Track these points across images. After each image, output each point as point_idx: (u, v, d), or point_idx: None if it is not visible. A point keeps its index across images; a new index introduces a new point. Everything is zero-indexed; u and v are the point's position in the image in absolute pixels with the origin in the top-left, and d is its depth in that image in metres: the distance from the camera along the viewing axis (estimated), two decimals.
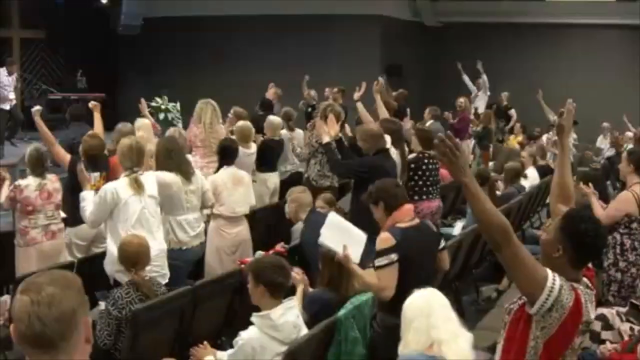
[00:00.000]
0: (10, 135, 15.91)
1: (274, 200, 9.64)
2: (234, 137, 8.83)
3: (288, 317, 4.59)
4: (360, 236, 5.43)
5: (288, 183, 9.78)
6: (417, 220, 5.32)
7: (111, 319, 5.24)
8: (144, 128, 8.72)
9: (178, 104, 15.55)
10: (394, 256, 4.95)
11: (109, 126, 8.92)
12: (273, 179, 9.97)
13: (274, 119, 10.37)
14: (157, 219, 6.46)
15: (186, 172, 6.95)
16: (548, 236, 3.55)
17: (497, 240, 3.24)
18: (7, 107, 15.51)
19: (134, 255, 5.39)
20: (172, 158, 6.89)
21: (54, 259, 7.08)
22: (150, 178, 6.47)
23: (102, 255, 6.48)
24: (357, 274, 5.10)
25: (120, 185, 6.19)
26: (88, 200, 6.30)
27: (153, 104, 15.51)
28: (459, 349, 3.80)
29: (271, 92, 14.08)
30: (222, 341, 6.02)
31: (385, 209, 5.23)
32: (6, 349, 6.22)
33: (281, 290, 4.67)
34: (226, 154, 7.75)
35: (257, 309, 4.65)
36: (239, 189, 7.67)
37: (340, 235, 5.24)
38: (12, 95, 15.48)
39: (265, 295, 4.60)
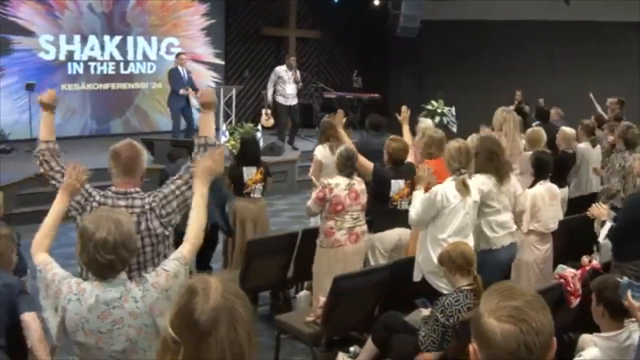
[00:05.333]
0: (291, 140, 16.40)
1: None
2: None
3: (634, 339, 4.43)
4: None
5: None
6: None
7: (437, 325, 5.27)
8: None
9: (453, 108, 15.62)
10: None
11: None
12: (563, 195, 9.71)
13: (568, 130, 10.03)
14: (473, 225, 6.41)
15: (503, 175, 6.70)
16: None
17: None
18: (287, 102, 16.06)
19: (468, 261, 5.40)
20: (493, 160, 6.65)
21: (355, 262, 7.10)
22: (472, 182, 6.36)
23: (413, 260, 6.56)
24: None
25: (450, 189, 6.15)
26: (417, 200, 6.38)
27: (428, 107, 15.74)
28: None
29: (553, 113, 13.46)
30: None
31: None
32: (315, 345, 6.52)
33: (623, 312, 4.49)
34: (542, 168, 7.47)
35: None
36: (554, 204, 7.47)
37: None
38: (289, 91, 15.99)
39: (605, 316, 4.49)
